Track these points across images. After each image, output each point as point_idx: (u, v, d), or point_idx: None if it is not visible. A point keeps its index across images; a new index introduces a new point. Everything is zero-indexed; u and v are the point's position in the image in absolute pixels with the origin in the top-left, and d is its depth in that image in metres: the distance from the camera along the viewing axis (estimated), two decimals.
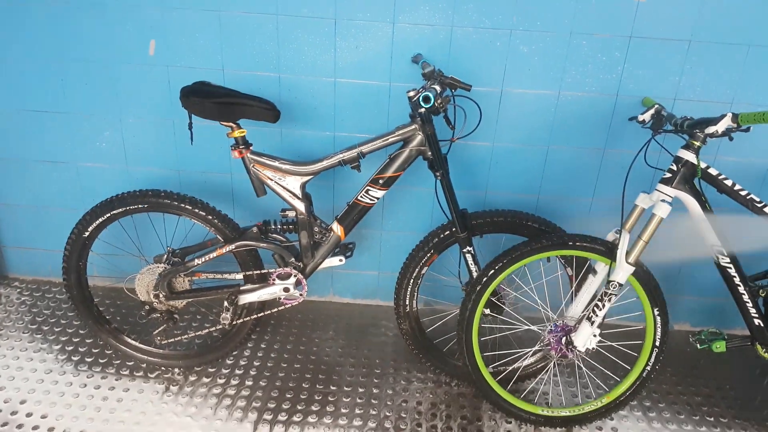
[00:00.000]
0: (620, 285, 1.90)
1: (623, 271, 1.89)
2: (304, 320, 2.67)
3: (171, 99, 2.39)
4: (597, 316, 1.94)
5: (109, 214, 2.06)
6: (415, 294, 2.22)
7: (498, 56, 2.26)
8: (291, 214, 2.05)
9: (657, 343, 2.04)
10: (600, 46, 2.23)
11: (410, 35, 2.24)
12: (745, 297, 1.98)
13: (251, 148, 1.99)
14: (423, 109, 1.90)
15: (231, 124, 1.92)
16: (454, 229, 2.07)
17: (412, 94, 1.91)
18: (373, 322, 2.68)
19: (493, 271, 1.99)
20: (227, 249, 2.04)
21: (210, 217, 2.06)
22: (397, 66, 2.30)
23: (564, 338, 2.03)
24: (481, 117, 1.96)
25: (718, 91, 2.28)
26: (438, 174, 1.99)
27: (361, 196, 2.04)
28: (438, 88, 1.83)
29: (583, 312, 2.03)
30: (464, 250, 2.07)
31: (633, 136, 2.37)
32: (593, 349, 2.00)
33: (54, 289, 2.76)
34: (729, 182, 1.90)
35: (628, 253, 1.88)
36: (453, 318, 2.40)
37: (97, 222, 2.07)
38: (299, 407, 2.13)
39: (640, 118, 2.07)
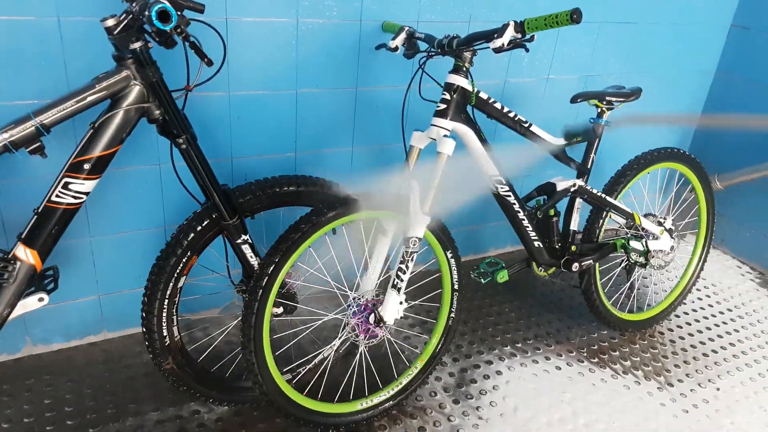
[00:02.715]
0: (419, 239, 1.69)
1: (420, 223, 1.68)
2: None
3: None
4: (402, 281, 1.70)
5: None
6: (174, 317, 1.63)
7: None
8: None
9: (456, 287, 1.94)
10: None
11: None
12: (525, 222, 2.00)
13: None
14: (138, 44, 1.28)
15: None
16: (215, 216, 1.54)
17: (112, 23, 1.26)
18: (107, 365, 1.96)
19: (278, 259, 1.55)
20: None
21: None
22: None
23: (371, 316, 1.75)
24: (226, 50, 1.43)
25: (456, 11, 2.20)
26: (181, 141, 1.41)
27: (58, 195, 1.32)
28: (165, 2, 1.22)
29: (379, 279, 1.78)
30: (238, 241, 1.57)
31: (384, 69, 2.14)
32: (401, 317, 1.78)
33: None
34: (498, 105, 1.84)
35: (421, 203, 1.67)
36: (229, 331, 1.89)
37: None
38: None
39: (392, 44, 1.85)
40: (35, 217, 1.34)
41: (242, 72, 1.90)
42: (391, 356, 1.95)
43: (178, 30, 1.22)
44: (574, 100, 2.03)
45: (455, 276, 1.92)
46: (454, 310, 1.96)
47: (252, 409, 1.84)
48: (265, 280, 1.55)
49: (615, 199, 2.16)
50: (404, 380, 1.94)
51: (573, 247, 2.12)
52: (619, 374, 2.18)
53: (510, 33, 1.51)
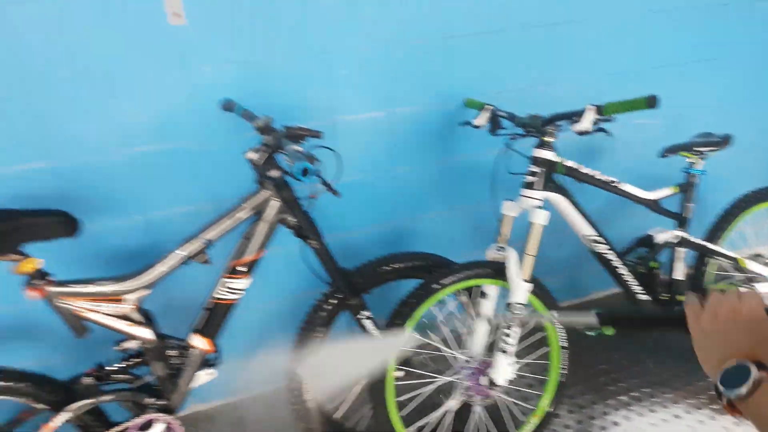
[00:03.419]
0: (522, 305, 1.87)
1: (522, 291, 1.86)
2: None
3: None
4: (508, 344, 1.89)
5: None
6: None
7: (318, 84, 2.11)
8: (131, 344, 1.63)
9: (564, 345, 2.07)
10: (419, 54, 2.21)
11: (211, 78, 1.97)
12: (627, 277, 2.12)
13: (51, 278, 1.52)
14: (276, 173, 1.64)
15: (13, 256, 1.44)
16: (340, 297, 1.86)
17: (255, 156, 1.63)
18: (257, 421, 2.33)
19: (395, 329, 1.84)
20: (57, 421, 1.54)
21: (10, 383, 1.53)
22: (204, 118, 1.99)
23: (483, 378, 1.95)
24: (341, 164, 1.76)
25: (530, 76, 2.41)
26: (312, 241, 1.76)
27: (220, 293, 1.71)
28: (297, 147, 1.55)
29: (486, 342, 1.97)
30: (359, 316, 1.88)
31: (467, 137, 2.37)
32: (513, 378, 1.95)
33: None
34: (586, 170, 1.99)
35: (520, 270, 1.86)
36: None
37: None
38: None
39: (476, 122, 2.07)
40: (205, 312, 1.73)
41: (346, 162, 2.22)
42: (506, 410, 2.11)
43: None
44: (663, 155, 2.15)
45: (562, 333, 2.06)
46: (564, 367, 2.08)
47: None
48: None
49: (718, 244, 2.22)
50: None
51: (680, 297, 2.20)
52: (741, 421, 2.17)
53: (591, 116, 1.70)
